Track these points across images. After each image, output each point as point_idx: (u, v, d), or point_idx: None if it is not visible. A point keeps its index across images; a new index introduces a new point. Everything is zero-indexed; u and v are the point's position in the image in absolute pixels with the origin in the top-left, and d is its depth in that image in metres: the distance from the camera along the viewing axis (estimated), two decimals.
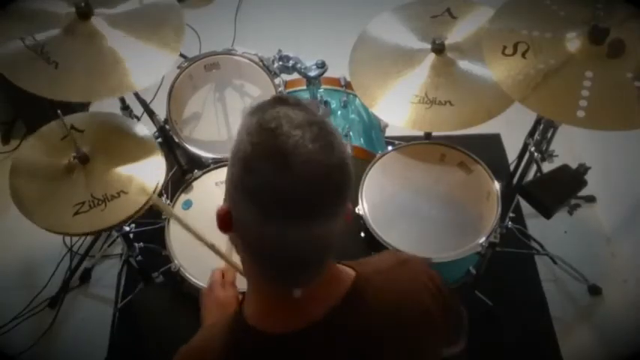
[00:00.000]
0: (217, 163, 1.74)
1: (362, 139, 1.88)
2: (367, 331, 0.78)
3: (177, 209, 1.66)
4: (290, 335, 0.76)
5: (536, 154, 1.69)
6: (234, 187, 0.70)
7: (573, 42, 1.38)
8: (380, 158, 1.69)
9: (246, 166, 0.67)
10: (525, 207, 2.22)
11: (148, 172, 1.55)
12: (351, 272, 0.81)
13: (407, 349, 0.82)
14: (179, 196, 1.68)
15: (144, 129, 1.66)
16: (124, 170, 1.54)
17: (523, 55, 1.38)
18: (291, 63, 1.80)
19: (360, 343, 0.78)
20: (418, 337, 0.83)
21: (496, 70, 1.39)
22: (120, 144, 1.60)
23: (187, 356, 0.83)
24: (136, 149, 1.59)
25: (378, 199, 1.62)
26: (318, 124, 0.69)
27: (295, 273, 0.74)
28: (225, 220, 0.73)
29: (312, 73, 1.77)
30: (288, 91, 1.93)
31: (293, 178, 0.65)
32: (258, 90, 1.89)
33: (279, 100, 0.71)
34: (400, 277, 0.85)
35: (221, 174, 1.72)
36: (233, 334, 0.80)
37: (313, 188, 0.66)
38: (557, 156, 1.70)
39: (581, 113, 1.28)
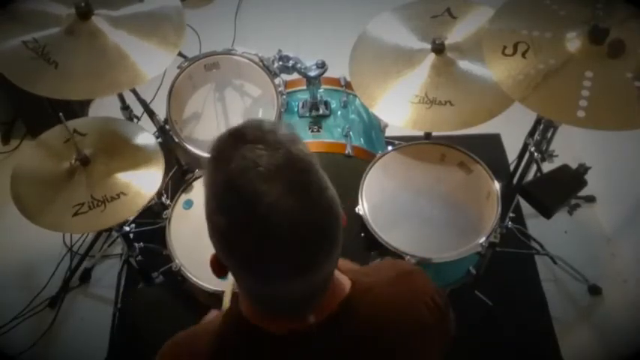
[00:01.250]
0: None
1: (362, 139, 1.88)
2: (351, 346, 0.77)
3: (178, 209, 1.66)
4: (279, 337, 0.75)
5: (536, 154, 1.69)
6: (221, 253, 0.69)
7: (573, 42, 1.38)
8: (380, 158, 1.69)
9: (226, 242, 0.66)
10: (525, 207, 2.22)
11: (149, 175, 1.55)
12: (347, 282, 0.80)
13: None
14: (179, 195, 1.69)
15: (145, 132, 1.67)
16: (124, 172, 1.54)
17: (523, 54, 1.38)
18: (291, 63, 1.80)
19: (341, 357, 0.78)
20: (411, 351, 0.83)
21: (496, 70, 1.39)
22: (122, 147, 1.61)
23: (173, 350, 0.83)
24: (137, 152, 1.59)
25: (378, 199, 1.62)
26: (288, 165, 0.64)
27: (299, 309, 0.74)
28: (218, 269, 0.73)
29: (312, 73, 1.77)
30: (288, 91, 1.93)
31: (276, 246, 0.63)
32: (258, 90, 1.89)
33: (238, 139, 0.66)
34: (399, 291, 0.84)
35: None
36: (228, 326, 0.80)
37: (299, 246, 0.64)
38: (557, 156, 1.70)
39: (581, 113, 1.28)
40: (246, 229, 0.63)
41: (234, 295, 0.83)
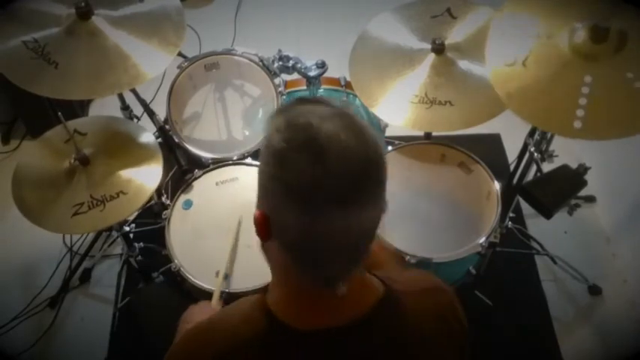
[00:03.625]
0: (217, 163, 1.74)
1: None
2: (387, 347, 0.78)
3: (178, 209, 1.66)
4: (304, 333, 0.75)
5: (536, 154, 1.69)
6: (270, 186, 0.70)
7: (573, 42, 1.37)
8: None
9: (281, 162, 0.68)
10: (525, 207, 2.22)
11: (148, 174, 1.55)
12: (380, 285, 0.80)
13: None
14: (179, 196, 1.68)
15: (145, 131, 1.67)
16: (123, 171, 1.54)
17: (524, 63, 1.37)
18: (291, 63, 1.80)
19: (375, 358, 0.78)
20: None
21: (497, 82, 1.38)
22: (121, 146, 1.61)
23: (193, 337, 0.82)
24: (137, 152, 1.59)
25: None
26: (347, 116, 0.70)
27: (337, 266, 0.73)
28: (264, 225, 0.72)
29: (312, 73, 1.77)
30: (288, 91, 1.93)
31: (330, 168, 0.66)
32: (258, 90, 1.89)
33: (302, 101, 0.73)
34: (427, 303, 0.85)
35: (221, 174, 1.72)
36: (253, 320, 0.78)
37: (350, 178, 0.67)
38: (557, 156, 1.70)
39: (578, 124, 1.27)
40: (305, 150, 0.66)
41: (263, 289, 0.82)
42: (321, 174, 0.65)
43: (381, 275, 0.83)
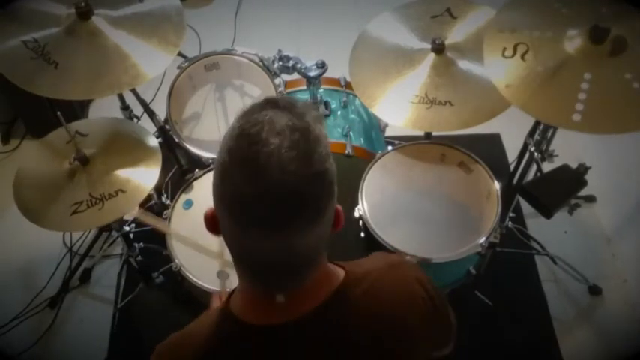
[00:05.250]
0: None
1: (362, 139, 1.88)
2: (347, 332, 0.78)
3: (178, 209, 1.66)
4: (271, 328, 0.76)
5: (536, 154, 1.69)
6: (214, 193, 0.71)
7: (573, 41, 1.37)
8: (380, 158, 1.69)
9: (222, 174, 0.68)
10: (525, 207, 2.23)
11: (147, 172, 1.55)
12: (341, 272, 0.81)
13: (389, 353, 0.81)
14: (179, 196, 1.69)
15: (145, 130, 1.67)
16: (122, 170, 1.54)
17: (522, 56, 1.38)
18: (291, 63, 1.80)
19: (338, 344, 0.78)
20: (402, 341, 0.83)
21: (495, 74, 1.39)
22: (121, 146, 1.61)
23: (167, 350, 0.83)
24: (137, 152, 1.59)
25: (378, 199, 1.62)
26: (302, 131, 0.67)
27: (277, 279, 0.75)
28: (211, 222, 0.74)
29: (312, 73, 1.77)
30: (288, 91, 1.93)
31: (261, 189, 0.65)
32: (258, 90, 1.89)
33: (270, 103, 0.70)
34: (390, 281, 0.84)
35: None
36: (217, 324, 0.80)
37: (281, 200, 0.65)
38: (557, 156, 1.70)
39: (577, 117, 1.28)
40: (242, 166, 0.66)
41: (228, 294, 0.84)
42: (251, 195, 0.65)
43: (344, 262, 0.83)
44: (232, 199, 0.67)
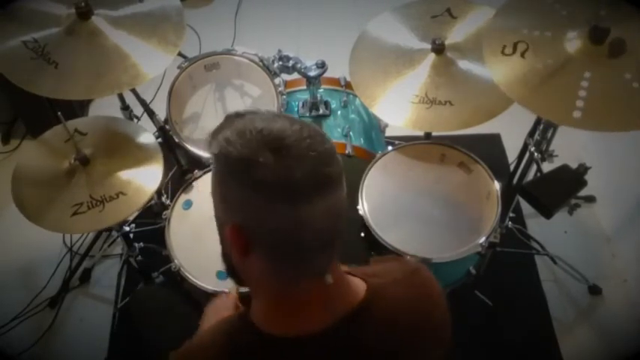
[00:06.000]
0: None
1: (362, 139, 1.88)
2: (367, 348, 0.78)
3: (178, 209, 1.66)
4: (294, 339, 0.75)
5: (536, 154, 1.69)
6: (243, 195, 0.69)
7: (573, 42, 1.38)
8: (380, 158, 1.69)
9: (248, 168, 0.67)
10: (525, 207, 2.22)
11: (148, 176, 1.55)
12: (362, 285, 0.80)
13: None
14: (179, 196, 1.68)
15: (145, 131, 1.66)
16: (123, 172, 1.54)
17: (522, 54, 1.38)
18: (291, 63, 1.80)
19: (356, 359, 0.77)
20: (422, 351, 0.83)
21: (494, 70, 1.39)
22: (122, 146, 1.60)
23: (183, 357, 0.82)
24: (137, 153, 1.59)
25: (378, 199, 1.62)
26: (285, 115, 0.73)
27: (319, 254, 0.72)
28: (241, 238, 0.71)
29: (312, 73, 1.77)
30: (288, 91, 1.93)
31: (297, 158, 0.67)
32: (258, 90, 1.89)
33: (235, 115, 0.74)
34: (409, 292, 0.85)
35: None
36: (235, 333, 0.79)
37: (317, 161, 0.68)
38: (557, 156, 1.70)
39: (577, 114, 1.28)
40: (265, 147, 0.67)
41: (244, 300, 0.83)
42: (290, 165, 0.67)
43: (358, 272, 0.83)
44: (264, 178, 0.67)
